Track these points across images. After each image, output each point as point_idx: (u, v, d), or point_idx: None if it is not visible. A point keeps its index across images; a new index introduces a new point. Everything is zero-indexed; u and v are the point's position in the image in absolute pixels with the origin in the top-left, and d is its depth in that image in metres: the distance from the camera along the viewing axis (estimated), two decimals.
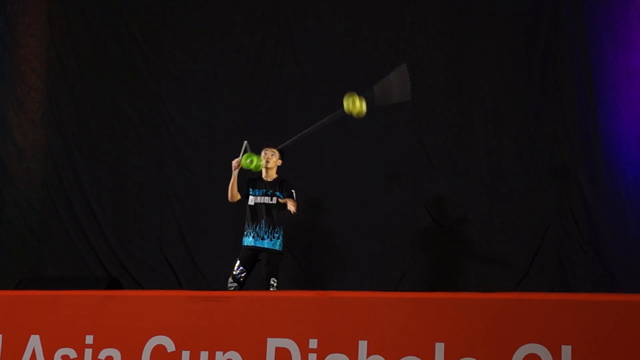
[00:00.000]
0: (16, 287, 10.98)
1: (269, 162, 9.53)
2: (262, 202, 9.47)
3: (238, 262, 9.46)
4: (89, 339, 7.65)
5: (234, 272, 9.44)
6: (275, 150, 9.59)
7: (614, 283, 10.00)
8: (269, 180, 9.57)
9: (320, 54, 11.35)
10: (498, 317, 6.73)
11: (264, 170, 9.56)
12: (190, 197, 11.73)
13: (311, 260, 11.18)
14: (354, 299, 7.25)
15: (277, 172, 9.62)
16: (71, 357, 7.65)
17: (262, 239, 9.39)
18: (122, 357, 7.52)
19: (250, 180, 9.63)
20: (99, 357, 7.58)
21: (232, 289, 9.38)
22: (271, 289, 9.27)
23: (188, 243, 11.64)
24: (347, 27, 11.29)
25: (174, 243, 11.70)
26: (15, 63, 12.46)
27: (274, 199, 9.47)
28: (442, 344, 6.77)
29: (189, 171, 11.75)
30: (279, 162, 9.63)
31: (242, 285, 9.46)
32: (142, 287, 11.52)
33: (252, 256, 9.44)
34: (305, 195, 11.18)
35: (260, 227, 9.44)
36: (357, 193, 11.10)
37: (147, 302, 7.78)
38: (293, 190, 9.47)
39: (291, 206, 9.19)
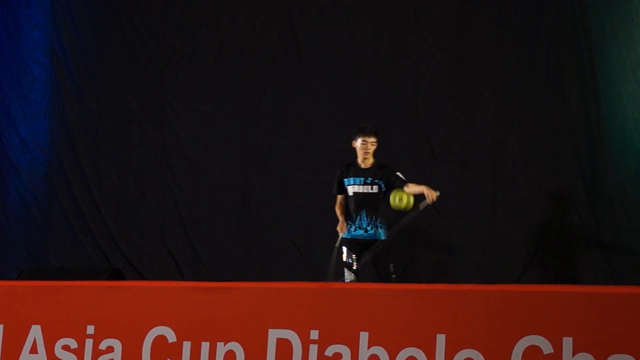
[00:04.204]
0: (18, 278, 10.99)
1: (368, 153, 9.13)
2: (361, 191, 9.09)
3: (345, 250, 9.07)
4: (90, 329, 7.63)
5: (348, 261, 9.05)
6: (374, 138, 9.14)
7: (615, 275, 10.01)
8: (366, 167, 9.16)
9: (322, 46, 11.35)
10: (500, 308, 6.71)
11: (360, 157, 9.16)
12: (192, 188, 11.74)
13: (313, 250, 11.18)
14: (356, 291, 7.23)
15: (373, 156, 9.21)
16: (72, 348, 7.63)
17: (365, 230, 9.08)
18: (123, 348, 7.51)
19: (345, 168, 9.29)
20: (100, 347, 7.56)
21: (349, 281, 8.99)
22: (393, 276, 8.94)
23: (190, 234, 11.65)
24: (350, 18, 11.29)
25: (175, 234, 11.72)
26: (19, 54, 12.48)
27: (375, 187, 9.08)
28: (443, 336, 6.75)
29: (190, 162, 11.75)
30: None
31: (358, 275, 9.04)
32: (143, 278, 11.54)
33: (358, 248, 9.07)
34: (309, 187, 11.20)
35: (361, 218, 9.09)
36: None
37: (149, 293, 7.75)
38: (398, 173, 9.06)
39: (429, 194, 8.74)
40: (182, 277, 11.52)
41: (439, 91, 10.96)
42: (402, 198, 8.89)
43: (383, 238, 9.09)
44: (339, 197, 9.24)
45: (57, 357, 7.65)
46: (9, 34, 12.50)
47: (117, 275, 10.97)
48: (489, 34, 10.82)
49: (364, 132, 9.15)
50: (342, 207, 9.21)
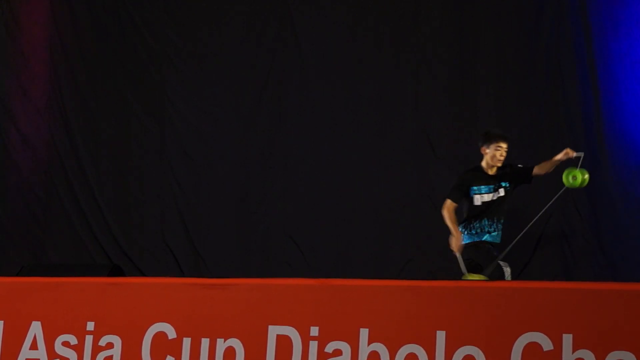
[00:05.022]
0: (18, 274, 10.98)
1: (501, 160, 8.84)
2: (491, 199, 8.81)
3: (474, 253, 8.82)
4: (90, 326, 7.64)
5: (492, 254, 8.79)
6: (507, 144, 8.82)
7: (615, 272, 10.00)
8: (492, 173, 8.91)
9: (322, 43, 11.34)
10: (499, 305, 6.72)
11: (492, 163, 8.87)
12: (192, 185, 11.73)
13: (313, 247, 11.18)
14: (356, 287, 7.23)
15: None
16: (72, 344, 7.64)
17: (488, 232, 8.87)
18: (122, 344, 7.51)
19: (470, 177, 9.00)
20: (99, 344, 7.57)
21: (509, 273, 8.78)
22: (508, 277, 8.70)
23: (190, 230, 11.64)
24: (350, 15, 11.28)
25: (175, 230, 11.71)
26: (20, 50, 12.47)
27: (501, 190, 8.87)
28: (444, 332, 6.75)
29: (190, 159, 11.75)
30: None
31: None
32: (143, 274, 11.53)
33: (479, 251, 8.86)
34: (309, 184, 11.20)
35: (482, 223, 8.84)
36: (361, 181, 11.09)
37: (149, 289, 7.76)
38: (520, 165, 8.85)
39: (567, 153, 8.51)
40: (182, 273, 11.51)
41: (439, 88, 10.96)
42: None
43: (499, 241, 8.85)
44: (453, 204, 8.82)
45: (57, 354, 7.66)
46: (9, 31, 12.49)
47: (117, 271, 10.97)
48: (488, 30, 10.82)
49: (499, 138, 8.86)
50: (455, 216, 8.76)
